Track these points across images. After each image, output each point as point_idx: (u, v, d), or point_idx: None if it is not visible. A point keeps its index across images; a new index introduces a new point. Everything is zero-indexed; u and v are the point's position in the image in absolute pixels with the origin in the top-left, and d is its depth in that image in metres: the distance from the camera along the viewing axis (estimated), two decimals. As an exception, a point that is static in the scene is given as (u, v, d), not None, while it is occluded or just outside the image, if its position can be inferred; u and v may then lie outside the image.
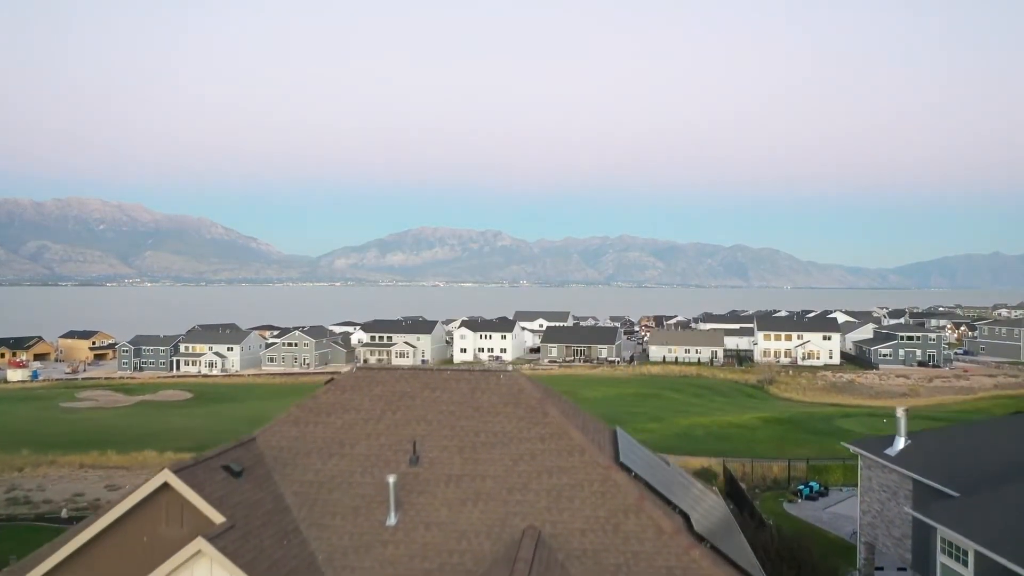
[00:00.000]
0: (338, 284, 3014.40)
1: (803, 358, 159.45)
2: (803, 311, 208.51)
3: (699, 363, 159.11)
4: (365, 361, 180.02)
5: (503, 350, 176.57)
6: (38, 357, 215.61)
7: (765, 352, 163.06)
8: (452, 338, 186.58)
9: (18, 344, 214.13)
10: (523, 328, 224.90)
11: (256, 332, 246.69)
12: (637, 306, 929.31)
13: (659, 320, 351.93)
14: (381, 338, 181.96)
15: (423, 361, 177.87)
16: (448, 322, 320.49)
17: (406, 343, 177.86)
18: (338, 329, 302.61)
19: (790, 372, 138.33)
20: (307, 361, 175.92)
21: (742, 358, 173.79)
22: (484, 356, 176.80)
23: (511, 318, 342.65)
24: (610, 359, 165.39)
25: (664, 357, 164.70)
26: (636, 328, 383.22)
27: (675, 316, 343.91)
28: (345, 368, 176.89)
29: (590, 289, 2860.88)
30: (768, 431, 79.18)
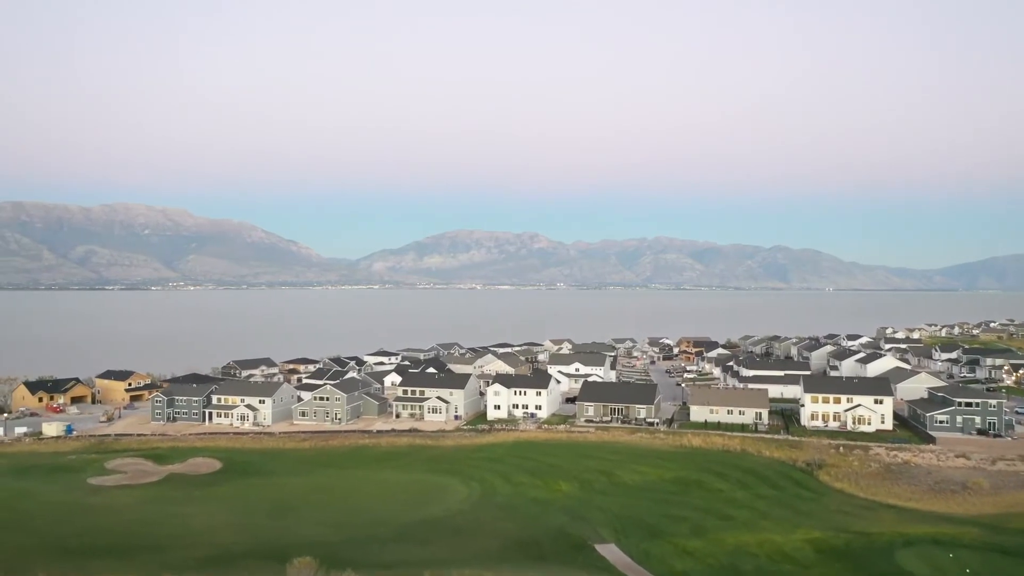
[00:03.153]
0: (376, 287, 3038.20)
1: (853, 423, 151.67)
2: (852, 377, 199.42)
3: (743, 428, 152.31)
4: (397, 416, 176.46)
5: (538, 406, 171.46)
6: (75, 400, 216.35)
7: (813, 415, 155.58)
8: (486, 392, 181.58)
9: (56, 387, 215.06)
10: (560, 372, 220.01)
11: (287, 383, 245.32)
12: (676, 317, 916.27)
13: (700, 348, 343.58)
14: (414, 392, 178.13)
15: (456, 416, 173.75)
16: (483, 351, 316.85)
17: (439, 398, 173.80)
18: (373, 360, 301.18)
19: (840, 449, 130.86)
20: (338, 416, 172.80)
21: (788, 416, 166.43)
22: (518, 413, 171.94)
23: (544, 344, 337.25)
24: (649, 420, 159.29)
25: (706, 420, 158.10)
26: (675, 352, 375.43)
27: (716, 346, 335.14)
28: (378, 422, 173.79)
29: (628, 292, 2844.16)
30: (823, 570, 73.09)
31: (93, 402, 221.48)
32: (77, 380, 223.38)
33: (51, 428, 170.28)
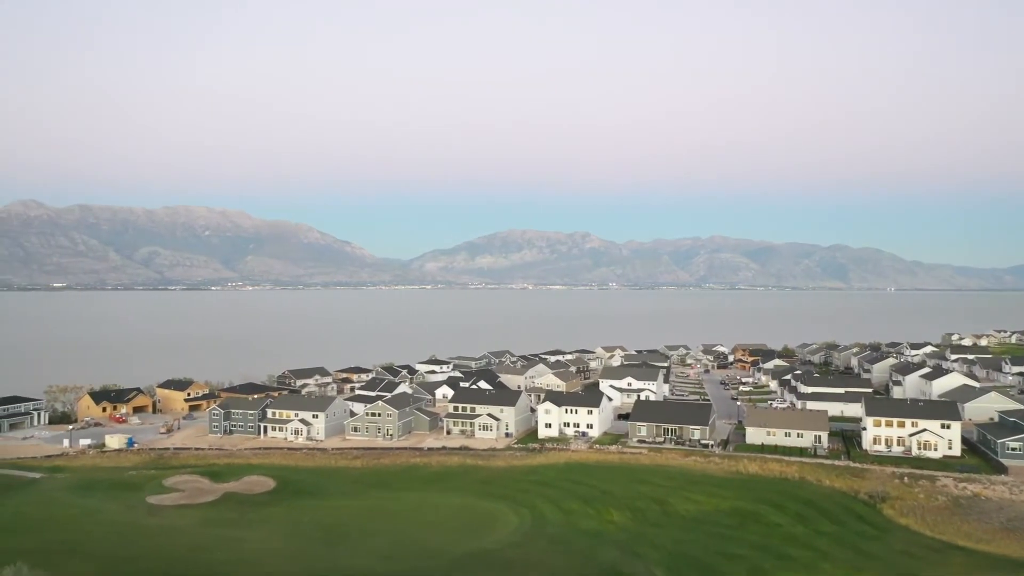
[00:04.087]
0: (428, 287, 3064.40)
1: (919, 448, 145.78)
2: (917, 399, 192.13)
3: (801, 452, 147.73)
4: (448, 432, 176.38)
5: (589, 425, 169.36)
6: (137, 410, 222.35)
7: (875, 439, 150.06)
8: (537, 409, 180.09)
9: (119, 397, 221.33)
10: (612, 387, 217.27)
11: (340, 393, 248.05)
12: (730, 320, 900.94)
13: (755, 358, 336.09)
14: (465, 408, 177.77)
15: (507, 434, 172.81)
16: (534, 360, 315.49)
17: (490, 415, 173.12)
18: (424, 368, 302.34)
19: (905, 480, 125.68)
20: (390, 432, 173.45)
21: (848, 439, 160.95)
22: (569, 431, 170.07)
23: (596, 351, 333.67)
24: (703, 442, 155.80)
25: (763, 443, 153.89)
26: (730, 360, 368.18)
27: (772, 355, 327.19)
28: (429, 438, 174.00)
29: (681, 292, 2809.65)
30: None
31: (154, 411, 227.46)
32: (139, 390, 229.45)
33: (113, 440, 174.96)
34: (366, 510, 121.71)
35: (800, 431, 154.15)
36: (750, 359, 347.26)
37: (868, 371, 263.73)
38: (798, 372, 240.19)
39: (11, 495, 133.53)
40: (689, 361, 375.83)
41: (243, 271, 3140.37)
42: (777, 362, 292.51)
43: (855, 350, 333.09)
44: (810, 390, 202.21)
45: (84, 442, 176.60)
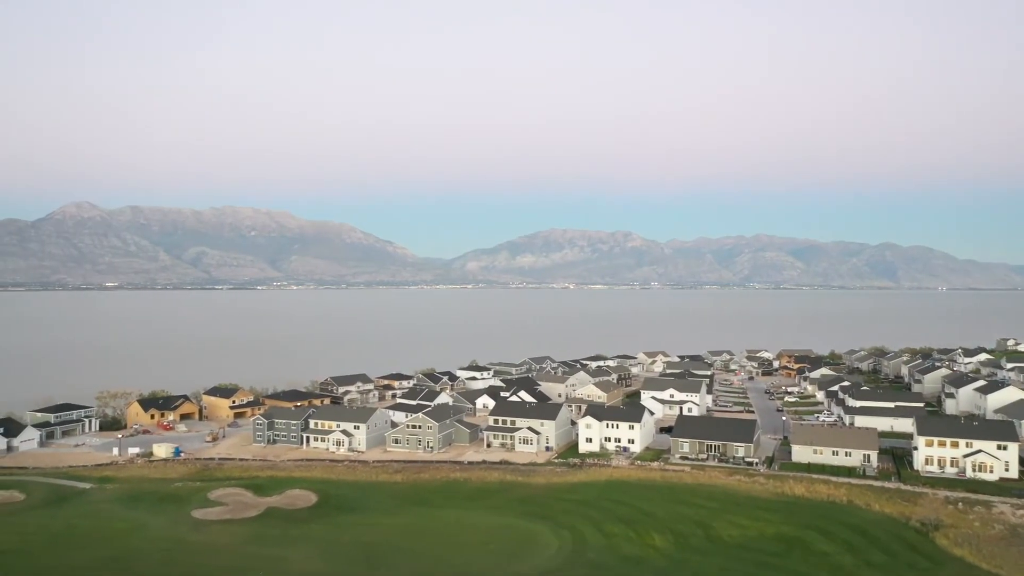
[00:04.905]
0: (469, 286, 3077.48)
1: (973, 470, 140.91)
2: (972, 416, 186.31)
3: (849, 471, 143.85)
4: (489, 445, 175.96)
5: (631, 440, 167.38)
6: (184, 417, 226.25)
7: (927, 459, 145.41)
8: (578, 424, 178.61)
9: (166, 404, 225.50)
10: (653, 399, 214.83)
11: (381, 400, 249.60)
12: (775, 321, 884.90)
13: (801, 365, 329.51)
14: (505, 421, 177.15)
15: (547, 448, 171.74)
16: (574, 367, 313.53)
17: (530, 429, 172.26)
18: (465, 375, 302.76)
19: (959, 505, 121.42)
20: (430, 445, 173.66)
21: (899, 458, 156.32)
22: (611, 446, 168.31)
23: (637, 357, 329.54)
24: (748, 459, 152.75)
25: (809, 462, 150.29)
26: (775, 367, 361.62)
27: (819, 363, 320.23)
28: (469, 450, 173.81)
29: (724, 292, 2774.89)
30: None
31: (200, 418, 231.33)
32: (185, 398, 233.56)
33: (160, 450, 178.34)
34: (406, 528, 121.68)
35: (848, 449, 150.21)
36: (795, 366, 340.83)
37: (919, 381, 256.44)
38: (846, 384, 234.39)
39: (64, 506, 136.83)
40: (733, 367, 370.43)
41: (288, 271, 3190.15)
42: (824, 371, 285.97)
43: (905, 358, 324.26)
44: (859, 404, 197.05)
45: (132, 451, 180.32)
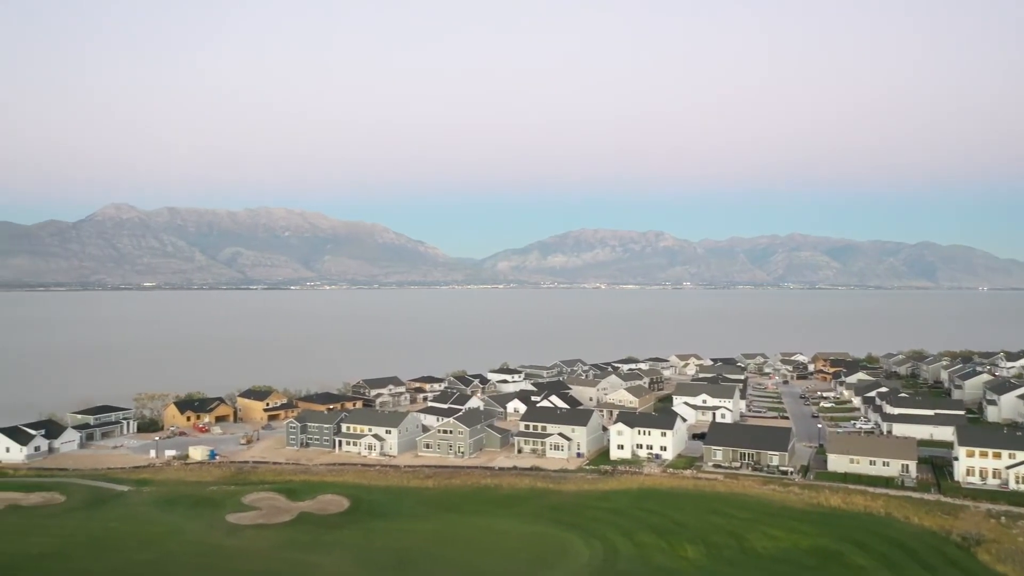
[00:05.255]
0: (500, 286, 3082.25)
1: (1016, 482, 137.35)
2: (1015, 425, 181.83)
3: (887, 482, 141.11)
4: (520, 451, 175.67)
5: (663, 447, 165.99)
6: (219, 419, 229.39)
7: (968, 470, 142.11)
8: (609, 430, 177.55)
9: (202, 407, 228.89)
10: (686, 404, 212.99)
11: (413, 403, 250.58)
12: (810, 323, 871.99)
13: (837, 368, 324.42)
14: (536, 427, 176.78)
15: (578, 454, 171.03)
16: (606, 370, 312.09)
17: (561, 435, 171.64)
18: (496, 378, 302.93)
19: (1002, 520, 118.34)
20: (461, 450, 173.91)
21: (939, 468, 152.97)
22: (642, 453, 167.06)
23: (670, 360, 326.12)
24: (782, 468, 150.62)
25: (845, 472, 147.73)
26: (810, 371, 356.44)
27: (856, 367, 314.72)
28: (500, 456, 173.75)
29: (758, 292, 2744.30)
30: None
31: (235, 420, 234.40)
32: (221, 400, 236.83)
33: (196, 452, 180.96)
34: (437, 535, 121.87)
35: (886, 459, 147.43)
36: (831, 370, 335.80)
37: (959, 387, 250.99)
38: (883, 390, 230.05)
39: (102, 509, 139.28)
40: (767, 370, 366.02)
41: (321, 271, 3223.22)
42: (860, 376, 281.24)
43: (945, 362, 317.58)
44: (897, 411, 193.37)
45: (169, 453, 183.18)
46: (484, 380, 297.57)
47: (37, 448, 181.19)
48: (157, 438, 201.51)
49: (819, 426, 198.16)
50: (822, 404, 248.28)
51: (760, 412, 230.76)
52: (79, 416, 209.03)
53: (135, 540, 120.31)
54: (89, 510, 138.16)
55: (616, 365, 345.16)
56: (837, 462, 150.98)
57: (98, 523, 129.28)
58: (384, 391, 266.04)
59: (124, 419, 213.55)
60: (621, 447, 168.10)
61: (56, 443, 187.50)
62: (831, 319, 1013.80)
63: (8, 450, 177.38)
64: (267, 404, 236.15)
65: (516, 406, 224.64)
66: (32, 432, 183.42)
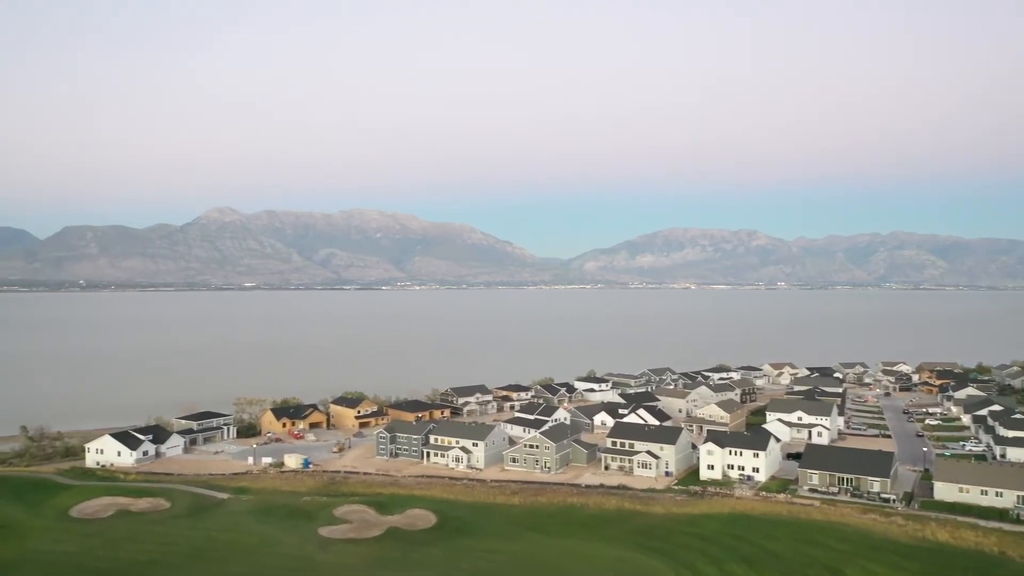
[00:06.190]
0: (588, 287, 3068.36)
1: None
2: None
3: (1000, 515, 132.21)
4: (607, 467, 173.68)
5: (755, 469, 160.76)
6: (313, 426, 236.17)
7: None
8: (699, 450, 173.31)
9: (297, 413, 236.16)
10: (779, 421, 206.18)
11: (499, 413, 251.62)
12: (915, 329, 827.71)
13: (945, 381, 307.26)
14: (623, 444, 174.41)
15: (667, 473, 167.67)
16: (695, 379, 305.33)
17: (649, 453, 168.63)
18: (583, 387, 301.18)
19: None
20: (547, 465, 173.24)
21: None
22: (733, 474, 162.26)
23: (763, 368, 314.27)
24: (883, 495, 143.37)
25: (954, 501, 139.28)
26: (915, 382, 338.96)
27: (965, 380, 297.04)
28: (587, 472, 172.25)
29: (857, 293, 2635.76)
30: None
31: (327, 427, 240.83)
32: (314, 407, 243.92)
33: (291, 461, 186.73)
34: (523, 557, 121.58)
35: (1000, 489, 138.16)
36: (938, 382, 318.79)
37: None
38: (996, 408, 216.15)
39: (203, 517, 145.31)
40: (867, 381, 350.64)
41: (411, 271, 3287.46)
42: (970, 391, 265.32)
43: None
44: (1012, 434, 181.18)
45: (266, 460, 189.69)
46: (571, 389, 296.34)
47: (145, 453, 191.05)
48: (255, 444, 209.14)
49: (924, 449, 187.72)
50: (927, 421, 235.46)
51: (860, 429, 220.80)
52: (183, 421, 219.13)
53: (233, 551, 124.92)
54: (192, 518, 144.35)
55: (706, 374, 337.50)
56: (944, 490, 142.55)
57: (200, 532, 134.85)
58: (471, 399, 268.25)
59: (224, 425, 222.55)
60: (711, 467, 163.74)
61: (162, 448, 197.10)
62: (937, 324, 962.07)
63: (120, 454, 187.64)
64: (358, 412, 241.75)
65: (603, 418, 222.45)
66: (141, 437, 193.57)
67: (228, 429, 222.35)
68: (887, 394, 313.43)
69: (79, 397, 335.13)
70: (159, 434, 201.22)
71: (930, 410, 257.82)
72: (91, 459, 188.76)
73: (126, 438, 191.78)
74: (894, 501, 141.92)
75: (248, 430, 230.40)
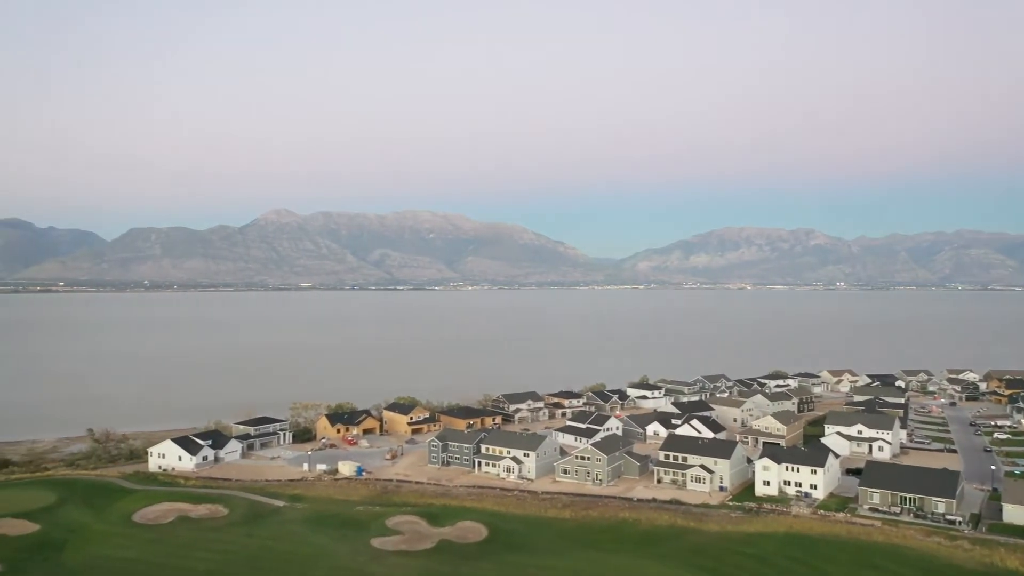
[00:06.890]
0: (641, 287, 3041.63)
1: None
2: None
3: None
4: (659, 481, 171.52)
5: (813, 486, 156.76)
6: (366, 432, 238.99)
7: None
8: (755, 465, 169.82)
9: (351, 419, 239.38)
10: (838, 434, 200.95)
11: (551, 420, 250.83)
12: (984, 333, 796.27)
13: (1015, 391, 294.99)
14: (676, 457, 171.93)
15: (721, 487, 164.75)
16: (751, 386, 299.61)
17: (703, 467, 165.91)
18: (635, 394, 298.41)
19: None
20: (599, 478, 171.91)
21: None
22: (790, 491, 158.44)
23: (821, 375, 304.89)
24: (948, 516, 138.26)
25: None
26: (983, 391, 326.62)
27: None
28: (639, 485, 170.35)
29: (920, 294, 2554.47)
30: None
31: (380, 432, 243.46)
32: (368, 413, 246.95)
33: (345, 468, 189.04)
34: (574, 574, 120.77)
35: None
36: (1007, 392, 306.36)
37: None
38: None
39: (260, 524, 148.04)
40: (931, 389, 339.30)
41: (463, 271, 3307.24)
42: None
43: None
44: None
45: (320, 467, 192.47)
46: (623, 396, 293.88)
47: (205, 458, 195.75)
48: (310, 451, 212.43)
49: (992, 467, 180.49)
50: (996, 435, 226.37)
51: (923, 443, 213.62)
52: (241, 427, 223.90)
53: (287, 561, 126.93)
54: (248, 525, 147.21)
55: (762, 381, 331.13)
56: (1014, 512, 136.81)
57: (256, 540, 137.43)
58: (523, 406, 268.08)
59: (281, 430, 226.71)
60: (767, 483, 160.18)
61: (221, 453, 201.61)
62: (1007, 327, 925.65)
63: (180, 459, 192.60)
64: (411, 418, 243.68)
65: (656, 428, 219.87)
66: (200, 443, 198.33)
67: (284, 435, 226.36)
68: (952, 404, 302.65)
69: (141, 399, 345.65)
70: (218, 439, 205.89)
71: (999, 422, 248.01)
72: (153, 463, 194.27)
73: (187, 443, 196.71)
74: (960, 523, 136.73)
75: (303, 434, 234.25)
